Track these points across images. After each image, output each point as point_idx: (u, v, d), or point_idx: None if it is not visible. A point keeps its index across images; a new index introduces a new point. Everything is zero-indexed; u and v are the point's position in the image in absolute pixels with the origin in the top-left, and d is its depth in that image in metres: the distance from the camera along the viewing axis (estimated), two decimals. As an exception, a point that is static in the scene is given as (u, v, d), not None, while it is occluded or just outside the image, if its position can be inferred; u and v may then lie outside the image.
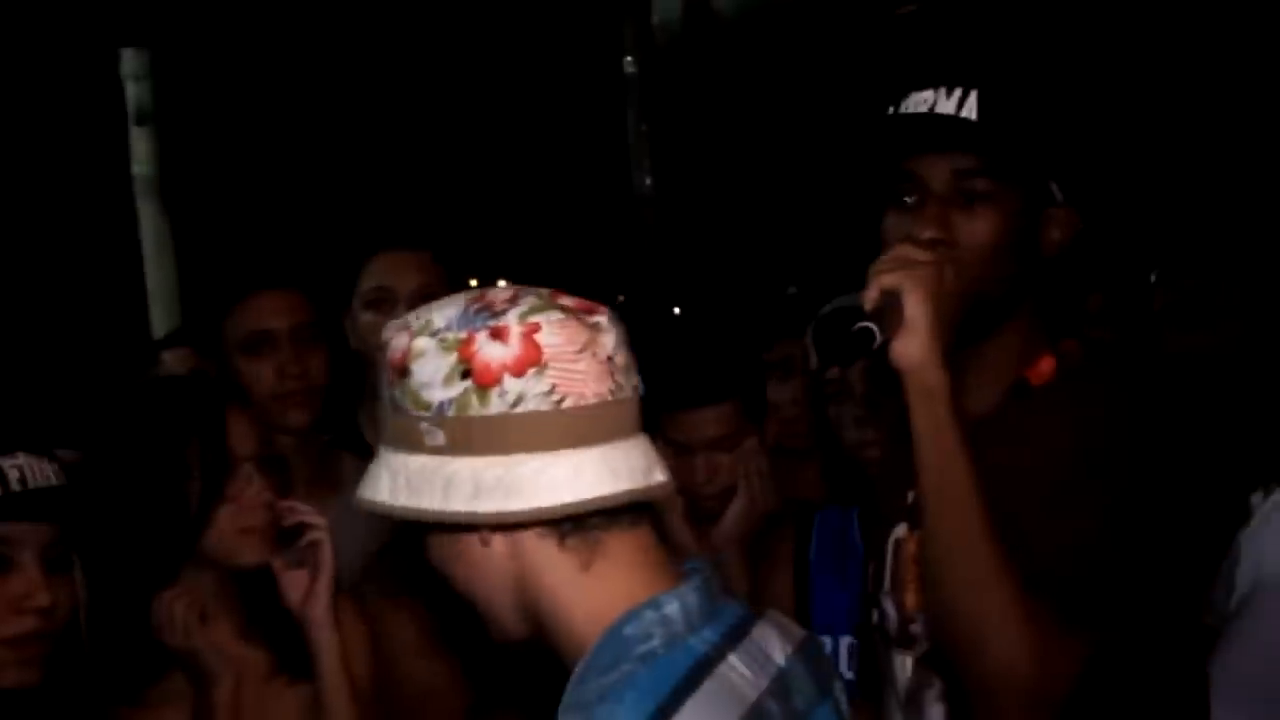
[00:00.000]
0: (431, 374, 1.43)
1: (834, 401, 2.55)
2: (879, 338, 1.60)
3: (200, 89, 6.80)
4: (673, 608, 1.41)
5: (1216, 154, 6.14)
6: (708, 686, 1.37)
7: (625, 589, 1.42)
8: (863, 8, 7.04)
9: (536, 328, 1.41)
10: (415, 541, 1.54)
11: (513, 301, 1.46)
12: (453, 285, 3.01)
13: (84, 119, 6.36)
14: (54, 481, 1.91)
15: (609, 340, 1.44)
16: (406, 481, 1.48)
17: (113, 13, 5.75)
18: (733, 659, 1.41)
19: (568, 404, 1.41)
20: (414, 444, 1.46)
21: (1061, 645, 1.61)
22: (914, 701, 1.91)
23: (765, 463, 2.64)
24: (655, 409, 2.63)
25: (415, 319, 1.43)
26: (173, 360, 3.39)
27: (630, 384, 1.47)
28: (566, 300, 1.47)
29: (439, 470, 1.45)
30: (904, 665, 1.92)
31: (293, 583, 2.19)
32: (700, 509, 2.67)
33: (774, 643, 1.48)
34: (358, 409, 3.03)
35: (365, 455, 2.87)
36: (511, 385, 1.40)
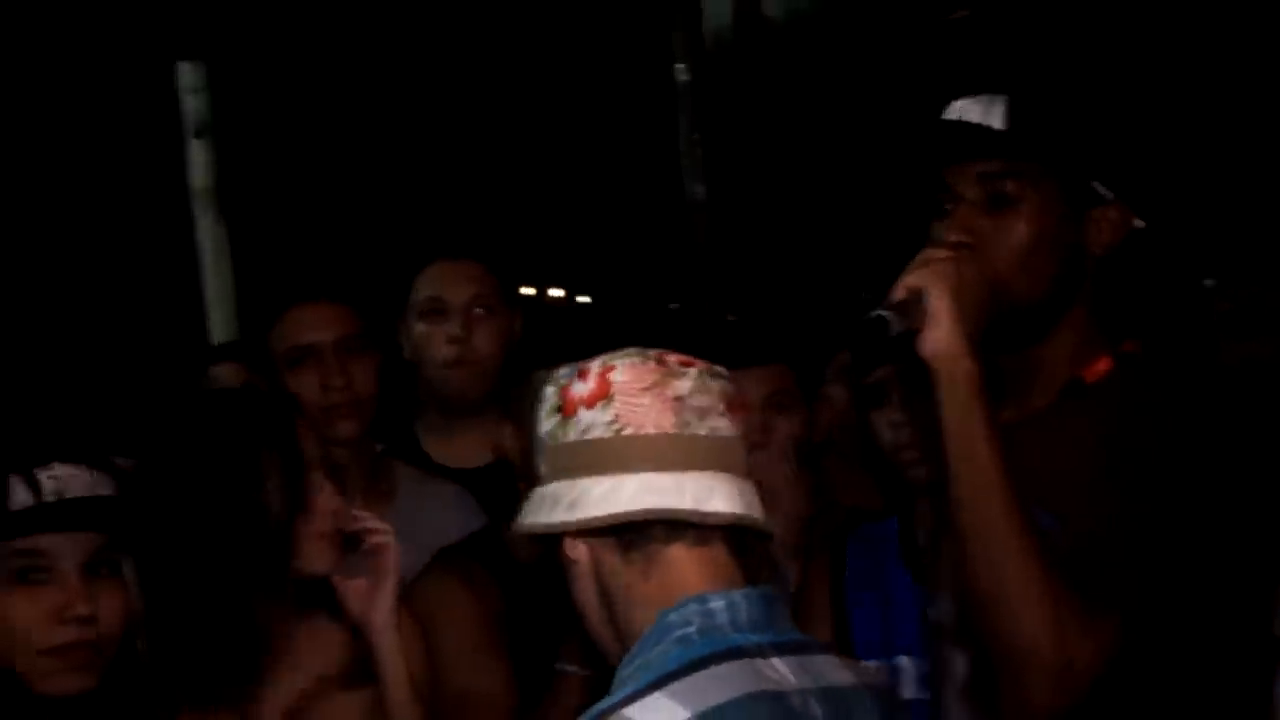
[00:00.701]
0: (544, 412, 1.68)
1: (874, 406, 2.56)
2: (894, 327, 1.69)
3: (257, 101, 6.85)
4: (718, 604, 1.56)
5: (1276, 159, 6.07)
6: (731, 666, 1.50)
7: (679, 591, 1.59)
8: (915, 14, 7.01)
9: (612, 368, 1.64)
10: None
11: (615, 353, 1.68)
12: (505, 295, 3.02)
13: (142, 132, 6.44)
14: (96, 491, 1.93)
15: (684, 385, 1.63)
16: (527, 508, 1.69)
17: (170, 27, 5.82)
18: (775, 660, 1.53)
19: (627, 432, 1.61)
20: (539, 476, 1.69)
21: (1087, 628, 1.66)
22: (972, 695, 1.93)
23: (792, 467, 2.65)
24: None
25: (557, 374, 1.70)
26: (223, 374, 3.42)
27: (706, 426, 1.64)
28: (667, 355, 1.68)
29: (542, 492, 1.66)
30: (962, 660, 1.95)
31: (354, 590, 2.22)
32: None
33: (838, 670, 1.58)
34: (412, 418, 3.05)
35: (419, 464, 2.90)
36: (584, 416, 1.62)
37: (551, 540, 1.69)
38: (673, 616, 1.56)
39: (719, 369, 1.71)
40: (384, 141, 8.54)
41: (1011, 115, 1.77)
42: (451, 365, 2.90)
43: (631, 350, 1.69)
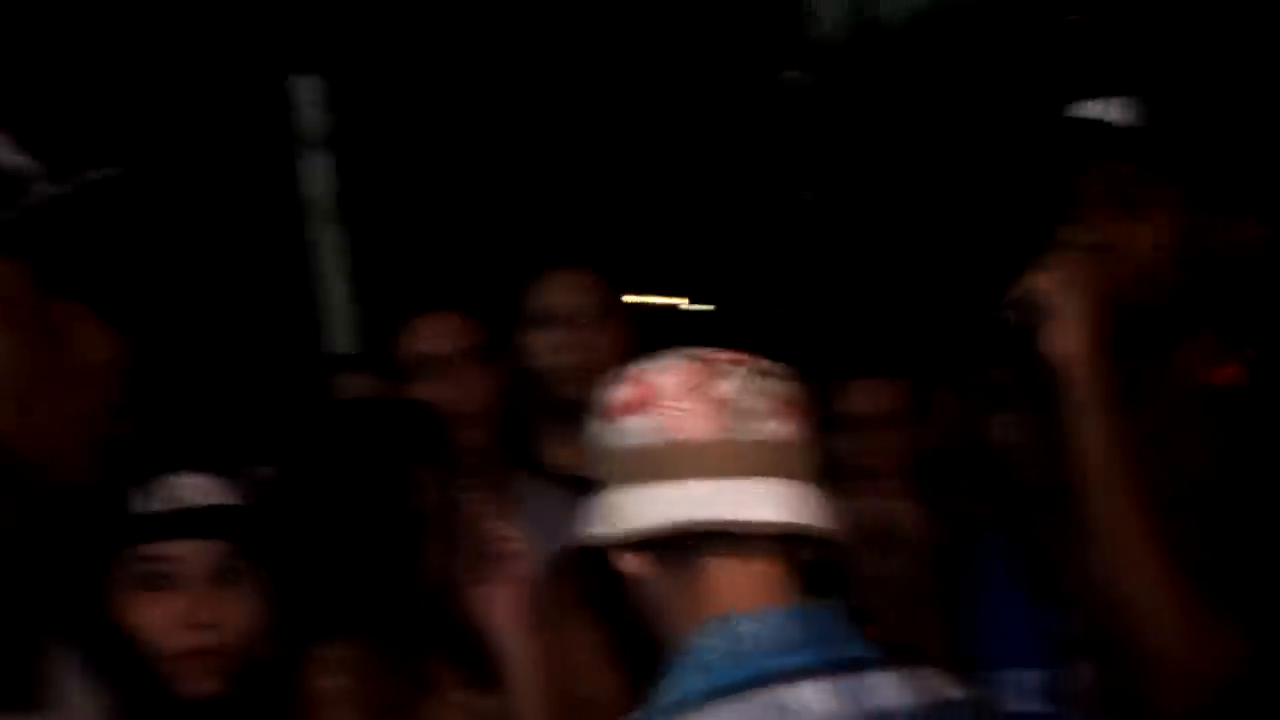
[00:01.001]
0: (594, 416, 1.62)
1: (989, 408, 2.52)
2: (1018, 326, 1.65)
3: (373, 114, 6.95)
4: (746, 627, 1.47)
5: None
6: (746, 696, 1.40)
7: (713, 608, 1.50)
8: (1031, 15, 6.91)
9: (654, 371, 1.57)
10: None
11: (644, 362, 1.61)
12: (618, 303, 3.04)
13: (261, 144, 6.55)
14: (222, 500, 1.96)
15: (730, 386, 1.54)
16: (588, 514, 1.63)
17: (288, 42, 5.93)
18: (805, 687, 1.41)
19: (667, 438, 1.52)
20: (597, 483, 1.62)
21: (1217, 632, 1.62)
22: (1099, 707, 1.90)
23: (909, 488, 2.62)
24: (825, 382, 2.66)
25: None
26: (350, 384, 3.47)
27: (755, 429, 1.54)
28: (711, 353, 1.59)
29: (594, 501, 1.61)
30: (1088, 671, 1.92)
31: (485, 597, 2.23)
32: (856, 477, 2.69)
33: (889, 690, 1.46)
34: (532, 427, 3.07)
35: (539, 472, 2.92)
36: (626, 422, 1.56)
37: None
38: (698, 641, 1.49)
39: (774, 366, 1.62)
40: (500, 151, 8.61)
41: (1144, 118, 1.74)
42: (563, 373, 2.92)
43: (678, 351, 1.62)
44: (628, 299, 3.24)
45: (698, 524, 1.50)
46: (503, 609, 2.24)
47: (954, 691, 1.54)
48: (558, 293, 2.95)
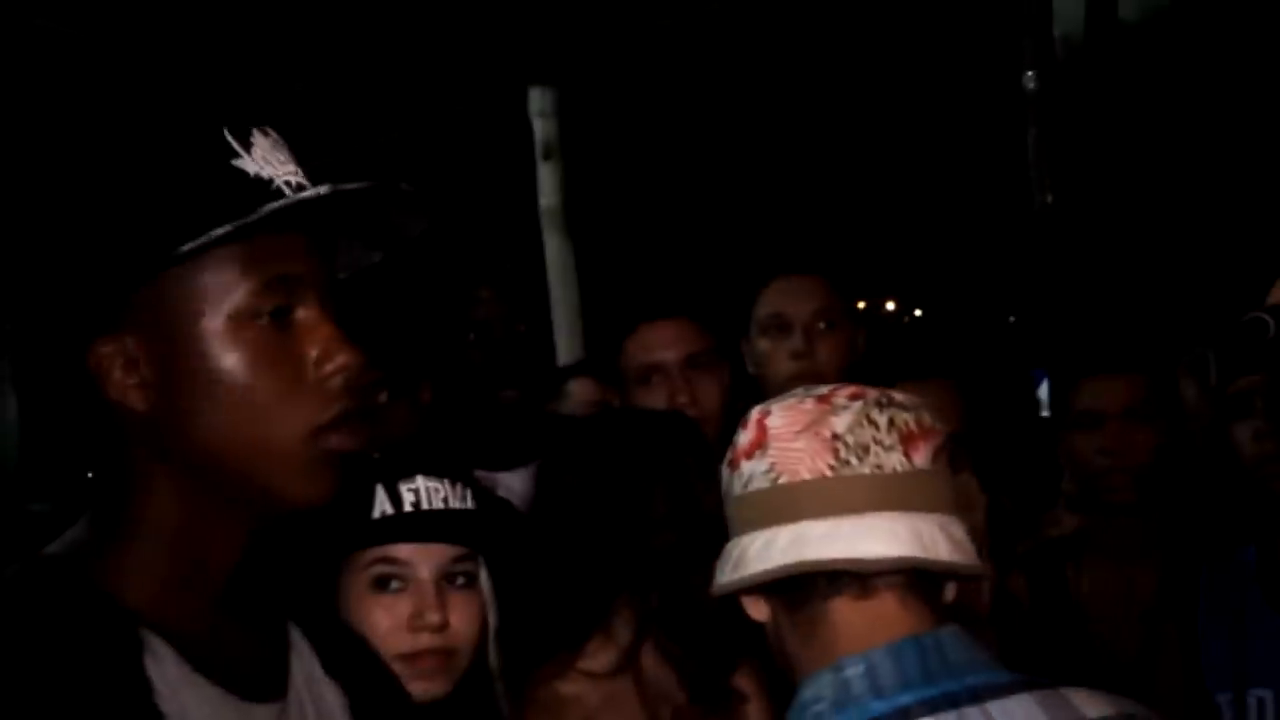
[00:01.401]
0: (723, 463, 1.58)
1: (1237, 416, 2.40)
2: (1273, 328, 1.58)
3: (603, 124, 7.04)
4: (854, 670, 1.43)
5: None
6: None
7: (832, 653, 1.46)
8: (1272, 10, 6.62)
9: (769, 413, 1.54)
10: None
11: (762, 405, 1.57)
12: (848, 310, 3.00)
13: (497, 154, 6.70)
14: (455, 504, 1.99)
15: (842, 422, 1.51)
16: (720, 561, 1.57)
17: (522, 55, 6.04)
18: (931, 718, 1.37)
19: (782, 480, 1.50)
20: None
21: None
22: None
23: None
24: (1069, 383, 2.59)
25: None
26: (577, 390, 3.51)
27: (870, 463, 1.51)
28: (836, 390, 1.55)
29: (726, 548, 1.57)
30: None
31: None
32: (1103, 491, 2.61)
33: (1019, 715, 1.40)
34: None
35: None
36: (745, 468, 1.53)
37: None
38: (807, 693, 1.45)
39: (899, 397, 1.57)
40: (727, 158, 8.63)
41: None
42: (795, 380, 2.88)
43: (797, 390, 1.60)
44: (858, 305, 3.19)
45: (812, 564, 1.47)
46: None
47: (1097, 710, 1.45)
48: (790, 299, 2.93)
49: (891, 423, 1.52)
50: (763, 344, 2.91)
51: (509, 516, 2.36)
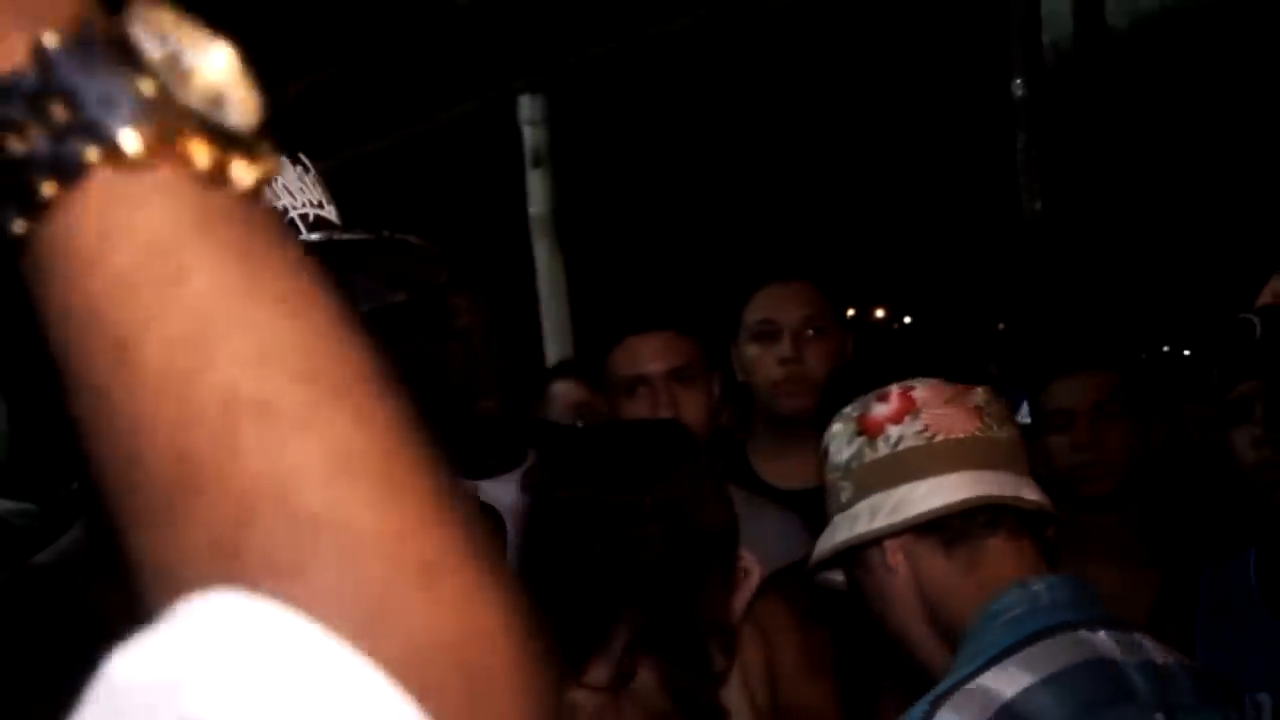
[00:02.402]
0: (839, 444, 1.77)
1: (1235, 422, 2.40)
2: (1259, 329, 1.66)
3: (592, 132, 7.04)
4: (1039, 586, 1.61)
5: None
6: (1064, 638, 1.54)
7: (999, 582, 1.63)
8: (1260, 14, 6.64)
9: (912, 387, 1.75)
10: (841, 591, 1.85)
11: (898, 383, 1.78)
12: (836, 317, 3.00)
13: (487, 162, 6.70)
14: None
15: (978, 397, 1.73)
16: (829, 533, 1.76)
17: (512, 63, 6.04)
18: (1101, 632, 1.56)
19: (939, 438, 1.69)
20: (835, 506, 1.77)
21: None
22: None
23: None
24: (1038, 386, 2.62)
25: (835, 417, 1.82)
26: (562, 391, 3.50)
27: (1005, 431, 1.74)
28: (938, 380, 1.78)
29: (849, 514, 1.73)
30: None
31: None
32: (1078, 484, 2.62)
33: (1153, 648, 1.60)
34: (745, 441, 3.05)
35: (749, 485, 2.90)
36: (892, 430, 1.72)
37: (849, 559, 1.76)
38: (997, 605, 1.61)
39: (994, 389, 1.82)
40: (714, 164, 8.64)
41: None
42: (783, 386, 2.89)
43: (917, 378, 1.79)
44: (847, 312, 3.19)
45: (990, 499, 1.66)
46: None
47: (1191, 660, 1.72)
48: (779, 305, 2.93)
49: (1000, 403, 1.78)
50: (751, 350, 2.92)
51: (493, 526, 2.35)
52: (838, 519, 1.76)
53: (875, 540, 1.71)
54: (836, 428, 1.81)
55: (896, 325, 18.50)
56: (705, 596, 2.20)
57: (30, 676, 1.24)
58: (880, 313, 18.13)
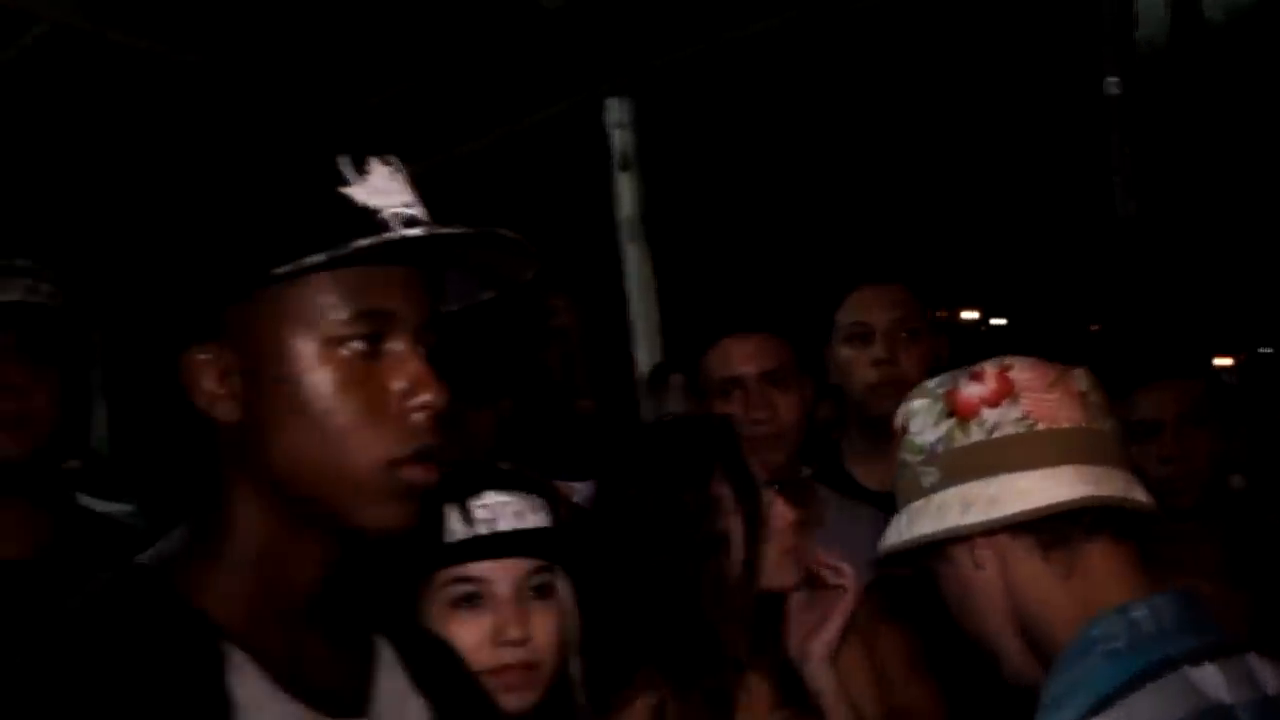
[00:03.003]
0: (923, 423, 1.64)
1: None
2: None
3: (680, 135, 7.03)
4: (1141, 613, 1.48)
5: None
6: (1165, 681, 1.41)
7: (1100, 597, 1.51)
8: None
9: (1009, 367, 1.61)
10: (927, 585, 1.66)
11: (991, 360, 1.65)
12: (929, 318, 2.98)
13: (575, 166, 6.72)
14: (526, 519, 2.01)
15: (1082, 382, 1.60)
16: (909, 521, 1.65)
17: (599, 67, 6.06)
18: (1209, 667, 1.42)
19: (1041, 427, 1.56)
20: (914, 491, 1.65)
21: None
22: None
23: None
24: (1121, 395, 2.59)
25: (914, 390, 1.71)
26: (678, 383, 3.48)
27: (1108, 422, 1.61)
28: (1037, 359, 1.64)
29: (933, 502, 1.61)
30: None
31: (801, 626, 2.23)
32: (1165, 496, 2.58)
33: (1266, 675, 1.47)
34: (839, 442, 3.04)
35: (843, 487, 2.90)
36: (988, 415, 1.58)
37: (933, 554, 1.64)
38: (1097, 630, 1.49)
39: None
40: (804, 168, 8.60)
41: None
42: (876, 388, 2.88)
43: (1009, 356, 1.66)
44: (938, 314, 3.17)
45: (1101, 500, 1.54)
46: (813, 640, 2.23)
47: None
48: (872, 307, 2.92)
49: (1101, 390, 1.64)
50: (844, 352, 2.91)
51: (585, 525, 2.37)
52: (917, 505, 1.64)
53: (966, 536, 1.59)
54: (919, 403, 1.67)
55: (985, 327, 18.32)
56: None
57: (127, 672, 1.27)
58: (971, 315, 17.95)
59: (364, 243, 1.31)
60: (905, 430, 1.69)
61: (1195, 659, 1.44)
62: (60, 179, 6.02)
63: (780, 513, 2.30)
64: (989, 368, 1.63)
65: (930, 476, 1.63)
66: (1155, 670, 1.42)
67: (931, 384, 1.70)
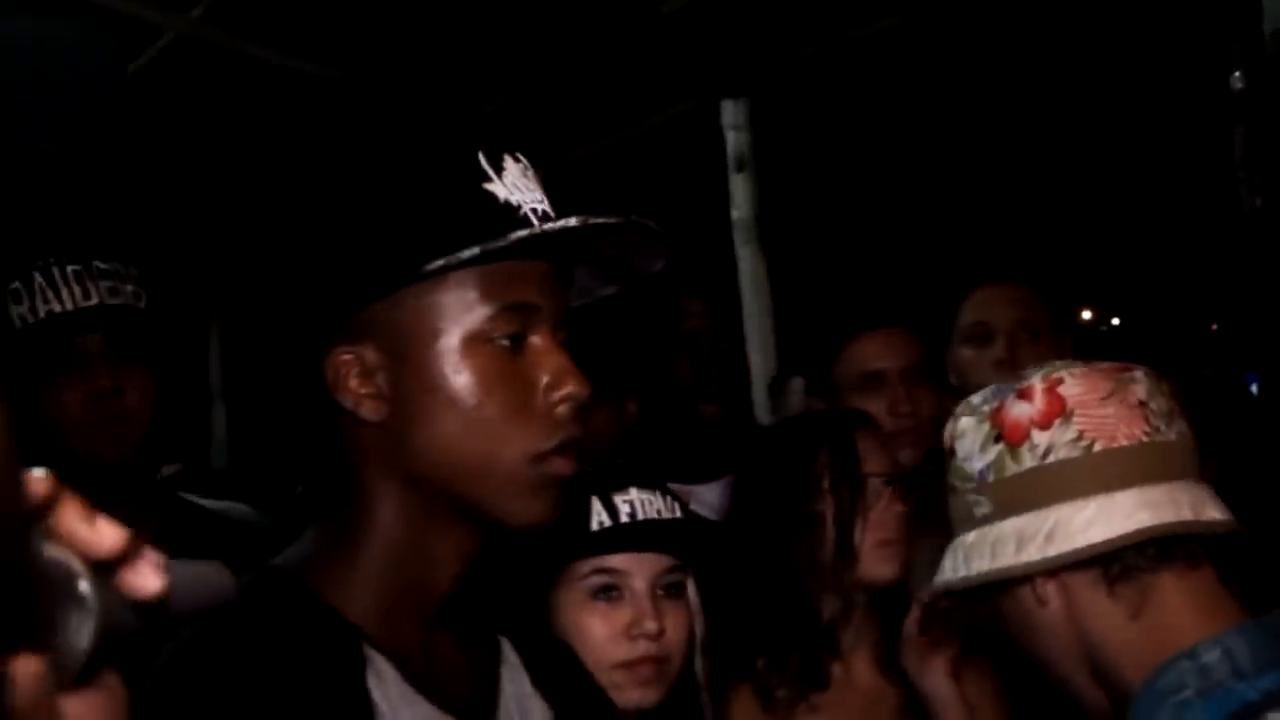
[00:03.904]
0: (970, 446, 1.51)
1: None
2: None
3: (795, 136, 7.02)
4: (1212, 656, 1.34)
5: None
6: None
7: (1173, 637, 1.38)
8: None
9: (1059, 381, 1.47)
10: (990, 616, 1.58)
11: (1039, 366, 1.53)
12: (1054, 317, 2.94)
13: (691, 167, 6.73)
14: (665, 514, 2.02)
15: (1140, 389, 1.46)
16: (964, 556, 1.51)
17: (715, 68, 6.07)
18: None
19: (1098, 447, 1.43)
20: (968, 521, 1.52)
21: None
22: None
23: None
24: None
25: (961, 405, 1.56)
26: (797, 386, 3.49)
27: (1174, 430, 1.47)
28: (1098, 363, 1.51)
29: (987, 536, 1.49)
30: None
31: (915, 647, 2.22)
32: None
33: None
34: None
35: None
36: (1040, 438, 1.45)
37: (993, 589, 1.51)
38: (1162, 682, 1.36)
39: (1153, 370, 1.53)
40: (919, 168, 8.53)
41: None
42: None
43: (1061, 363, 1.54)
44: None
45: (1166, 528, 1.40)
46: (928, 662, 2.23)
47: None
48: (992, 307, 2.89)
49: (1172, 390, 1.51)
50: (965, 352, 2.88)
51: (705, 528, 2.39)
52: (972, 538, 1.50)
53: (1025, 576, 1.46)
54: (966, 422, 1.53)
55: (1105, 327, 18.01)
56: None
57: (275, 675, 1.29)
58: (1087, 314, 17.66)
59: (522, 234, 1.34)
60: (953, 453, 1.56)
61: (1274, 699, 1.30)
62: (187, 183, 6.17)
63: (887, 504, 2.31)
64: (1037, 383, 1.50)
65: (983, 507, 1.50)
66: (1234, 718, 1.29)
67: (977, 399, 1.57)
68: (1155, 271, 13.89)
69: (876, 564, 2.29)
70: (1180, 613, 1.41)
